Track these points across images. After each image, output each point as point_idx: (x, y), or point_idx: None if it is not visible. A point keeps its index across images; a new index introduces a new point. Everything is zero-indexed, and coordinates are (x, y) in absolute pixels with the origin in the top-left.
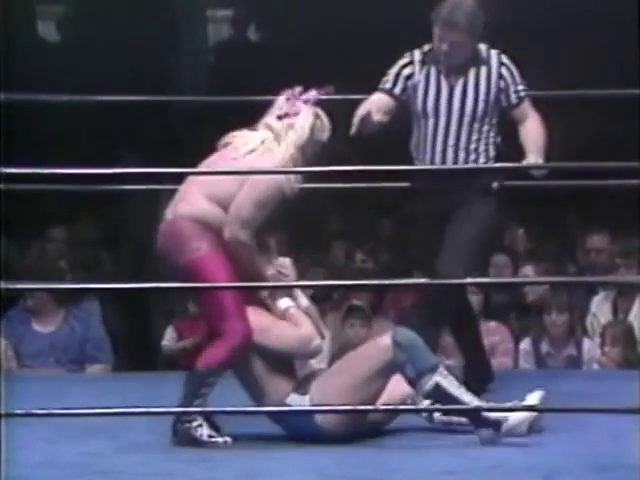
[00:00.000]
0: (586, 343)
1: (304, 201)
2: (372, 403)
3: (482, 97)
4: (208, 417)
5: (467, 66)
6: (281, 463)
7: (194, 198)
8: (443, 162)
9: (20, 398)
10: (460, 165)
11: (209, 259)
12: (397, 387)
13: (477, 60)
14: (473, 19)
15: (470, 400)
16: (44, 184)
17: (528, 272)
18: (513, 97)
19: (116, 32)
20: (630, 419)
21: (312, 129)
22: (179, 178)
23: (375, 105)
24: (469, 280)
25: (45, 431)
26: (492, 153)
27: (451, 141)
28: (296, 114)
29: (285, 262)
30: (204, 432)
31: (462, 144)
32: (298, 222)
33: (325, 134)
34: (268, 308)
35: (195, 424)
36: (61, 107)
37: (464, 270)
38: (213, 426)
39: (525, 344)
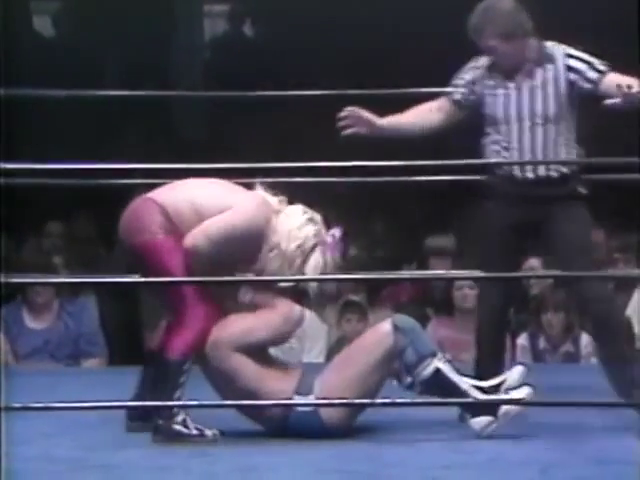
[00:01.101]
0: (583, 338)
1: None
2: (377, 390)
3: (552, 97)
4: (188, 412)
5: (532, 66)
6: (278, 458)
7: (175, 194)
8: (522, 169)
9: (17, 392)
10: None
11: (163, 243)
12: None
13: (543, 59)
14: (502, 20)
15: (468, 387)
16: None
17: (534, 264)
18: (591, 73)
19: (112, 27)
20: (626, 413)
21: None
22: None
23: (430, 105)
24: (466, 275)
25: (41, 425)
26: (575, 155)
27: (527, 146)
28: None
29: None
30: (190, 426)
31: (539, 149)
32: None
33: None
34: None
35: (179, 419)
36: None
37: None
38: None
39: (522, 339)
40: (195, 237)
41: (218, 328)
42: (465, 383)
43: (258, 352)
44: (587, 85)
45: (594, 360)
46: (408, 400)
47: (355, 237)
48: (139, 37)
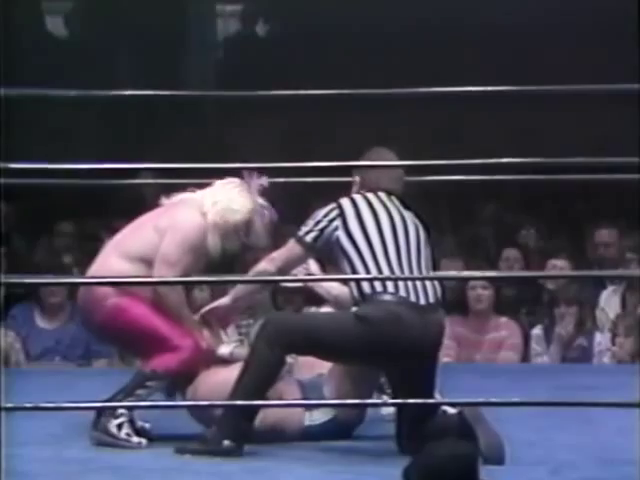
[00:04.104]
0: (597, 336)
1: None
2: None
3: None
4: (133, 419)
5: None
6: (286, 458)
7: (109, 261)
8: None
9: (27, 393)
10: None
11: (122, 302)
12: None
13: None
14: None
15: None
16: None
17: (557, 264)
18: None
19: (124, 27)
20: (637, 414)
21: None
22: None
23: None
24: (479, 274)
25: (52, 426)
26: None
27: None
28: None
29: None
30: (123, 430)
31: None
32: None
33: (236, 216)
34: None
35: (117, 422)
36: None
37: None
38: (134, 428)
39: (537, 330)
40: (159, 272)
41: (192, 388)
42: None
43: None
44: None
45: (606, 360)
46: (420, 400)
47: None
48: (151, 37)
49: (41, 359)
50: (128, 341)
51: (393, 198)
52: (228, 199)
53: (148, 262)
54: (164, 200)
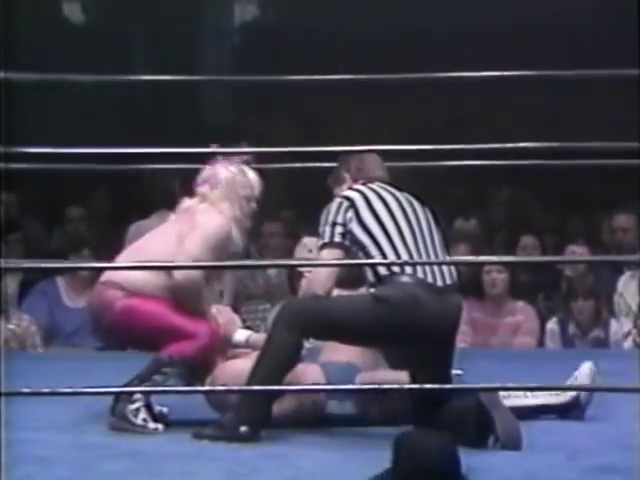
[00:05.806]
0: (613, 325)
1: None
2: None
3: None
4: (149, 404)
5: None
6: (304, 444)
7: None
8: None
9: (45, 377)
10: None
11: (132, 302)
12: None
13: None
14: None
15: None
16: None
17: (576, 250)
18: None
19: (141, 13)
20: None
21: (232, 184)
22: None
23: None
24: (496, 259)
25: (71, 411)
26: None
27: None
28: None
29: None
30: (140, 416)
31: None
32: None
33: (248, 190)
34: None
35: (133, 407)
36: None
37: None
38: (152, 413)
39: (552, 324)
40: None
41: (211, 377)
42: None
43: None
44: None
45: (625, 345)
46: (437, 385)
47: None
48: (168, 23)
49: (69, 339)
50: (142, 339)
51: (392, 186)
52: (229, 187)
53: (165, 271)
54: (178, 209)
